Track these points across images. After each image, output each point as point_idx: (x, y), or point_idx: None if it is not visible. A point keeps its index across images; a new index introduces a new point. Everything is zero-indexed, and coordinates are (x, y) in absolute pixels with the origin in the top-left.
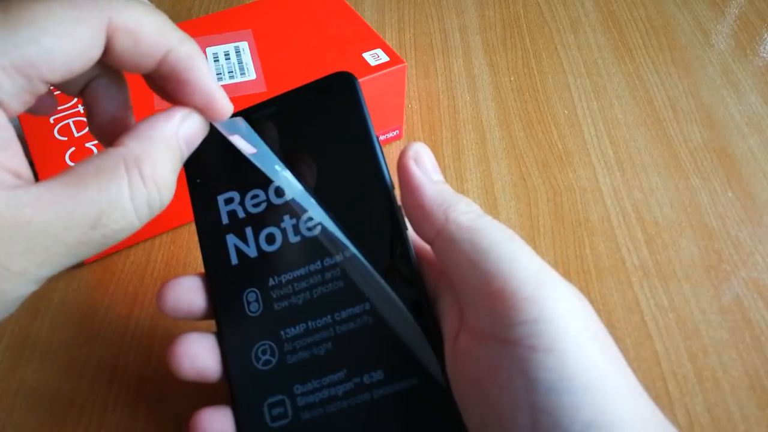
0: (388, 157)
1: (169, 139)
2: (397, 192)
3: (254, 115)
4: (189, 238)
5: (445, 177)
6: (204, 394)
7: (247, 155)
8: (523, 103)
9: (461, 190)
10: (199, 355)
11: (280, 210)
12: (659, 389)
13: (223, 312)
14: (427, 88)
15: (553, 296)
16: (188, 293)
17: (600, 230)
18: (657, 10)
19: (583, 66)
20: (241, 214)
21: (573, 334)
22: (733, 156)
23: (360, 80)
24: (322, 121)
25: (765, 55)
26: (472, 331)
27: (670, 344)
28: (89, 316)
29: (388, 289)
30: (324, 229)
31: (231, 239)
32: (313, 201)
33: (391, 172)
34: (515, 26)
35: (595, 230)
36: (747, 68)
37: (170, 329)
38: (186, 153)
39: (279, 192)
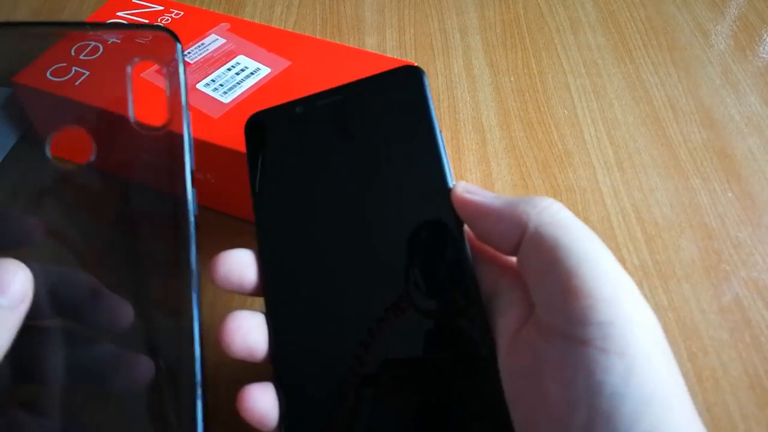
0: None
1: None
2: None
3: (317, 102)
4: None
5: None
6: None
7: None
8: (523, 104)
9: None
10: (251, 331)
11: (338, 201)
12: None
13: (273, 291)
14: None
15: (629, 302)
16: (240, 266)
17: (600, 230)
18: (657, 10)
19: (583, 66)
20: (300, 200)
21: (645, 344)
22: (732, 156)
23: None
24: (385, 115)
25: (764, 55)
26: (540, 327)
27: (670, 344)
28: None
29: (441, 285)
30: (380, 225)
31: (287, 222)
32: (370, 194)
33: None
34: (515, 26)
35: (595, 230)
36: (746, 69)
37: None
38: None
39: (338, 183)
